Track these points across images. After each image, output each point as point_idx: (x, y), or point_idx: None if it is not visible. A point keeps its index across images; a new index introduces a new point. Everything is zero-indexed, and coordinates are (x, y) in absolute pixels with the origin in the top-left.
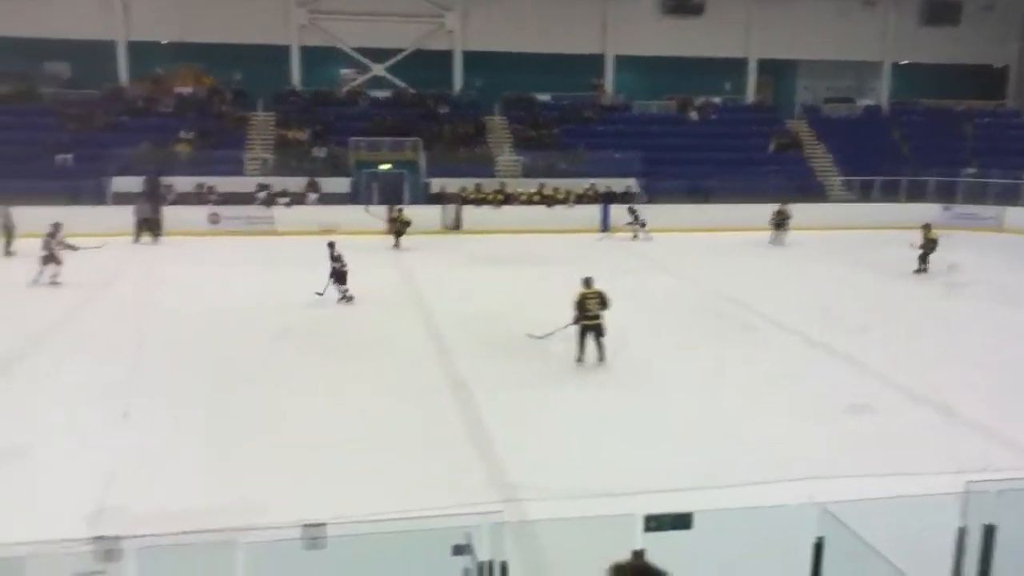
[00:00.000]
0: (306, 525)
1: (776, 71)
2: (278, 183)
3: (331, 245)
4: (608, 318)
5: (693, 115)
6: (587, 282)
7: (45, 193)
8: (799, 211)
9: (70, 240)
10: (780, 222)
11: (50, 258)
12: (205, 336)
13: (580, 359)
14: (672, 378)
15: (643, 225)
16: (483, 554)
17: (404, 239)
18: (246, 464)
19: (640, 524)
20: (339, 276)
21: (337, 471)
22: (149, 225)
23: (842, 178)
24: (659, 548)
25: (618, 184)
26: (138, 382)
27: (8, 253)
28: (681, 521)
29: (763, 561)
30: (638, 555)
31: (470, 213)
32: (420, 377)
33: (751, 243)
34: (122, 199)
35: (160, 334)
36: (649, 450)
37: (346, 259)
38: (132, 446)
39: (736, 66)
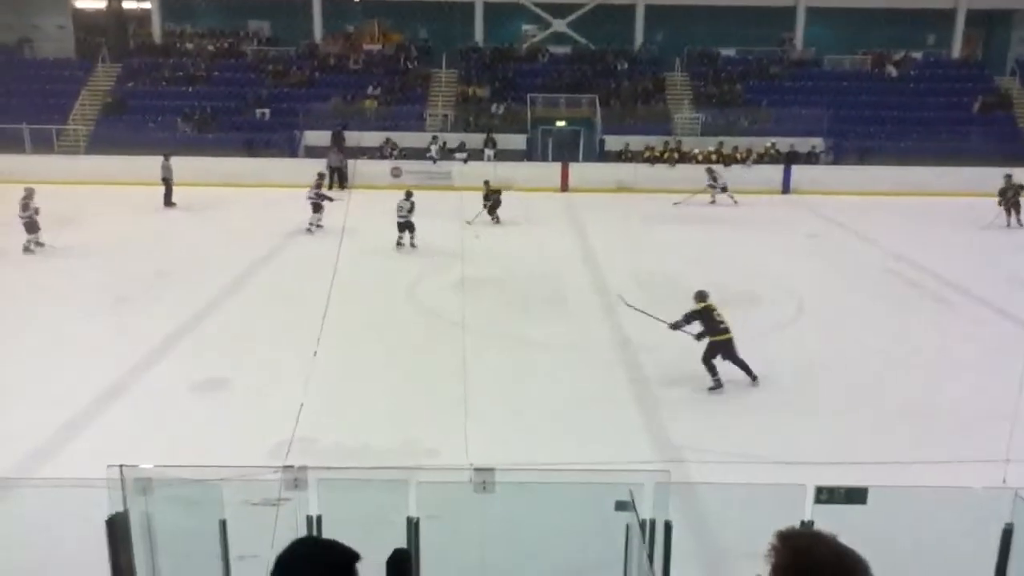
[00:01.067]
0: (477, 469)
1: (988, 23)
2: (457, 139)
3: (486, 183)
4: (791, 281)
5: (891, 71)
6: (701, 296)
7: (242, 146)
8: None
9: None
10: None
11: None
12: (391, 285)
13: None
14: (857, 347)
15: (724, 189)
16: (645, 512)
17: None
18: (423, 409)
19: (811, 495)
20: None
21: (508, 421)
22: (339, 176)
23: None
24: (829, 523)
25: (802, 144)
26: (328, 326)
27: (169, 204)
28: (856, 495)
29: (943, 545)
30: (807, 527)
31: (643, 172)
32: (590, 334)
33: (945, 207)
34: (312, 152)
35: (349, 282)
36: (826, 420)
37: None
38: (320, 385)
39: (942, 17)
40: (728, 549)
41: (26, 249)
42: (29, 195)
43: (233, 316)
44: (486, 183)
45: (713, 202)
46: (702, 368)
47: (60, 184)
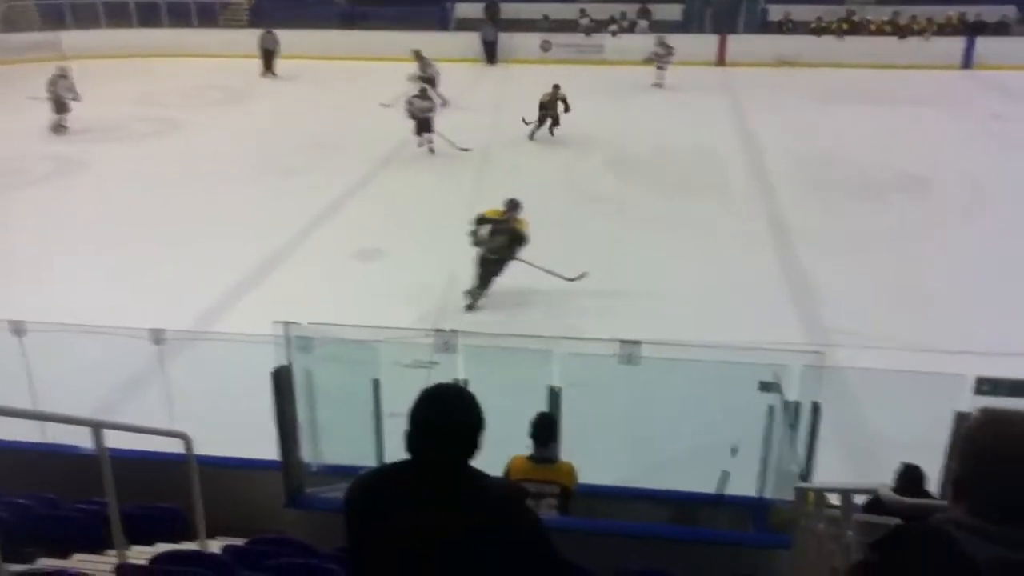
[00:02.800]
0: (623, 341)
1: None
2: (609, 9)
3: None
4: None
5: None
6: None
7: (394, 19)
8: None
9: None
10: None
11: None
12: (544, 164)
13: None
14: None
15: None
16: (791, 394)
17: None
18: (571, 286)
19: (971, 386)
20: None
21: (656, 300)
22: (488, 50)
23: None
24: None
25: (991, 12)
26: (479, 202)
27: (269, 73)
28: (1021, 388)
29: None
30: (963, 417)
31: (809, 44)
32: (744, 216)
33: None
34: (463, 25)
35: (501, 159)
36: (992, 310)
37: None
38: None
39: None
40: (877, 437)
41: (57, 127)
42: (62, 72)
43: (387, 188)
44: (555, 88)
45: (659, 85)
46: (870, 256)
47: (227, 57)
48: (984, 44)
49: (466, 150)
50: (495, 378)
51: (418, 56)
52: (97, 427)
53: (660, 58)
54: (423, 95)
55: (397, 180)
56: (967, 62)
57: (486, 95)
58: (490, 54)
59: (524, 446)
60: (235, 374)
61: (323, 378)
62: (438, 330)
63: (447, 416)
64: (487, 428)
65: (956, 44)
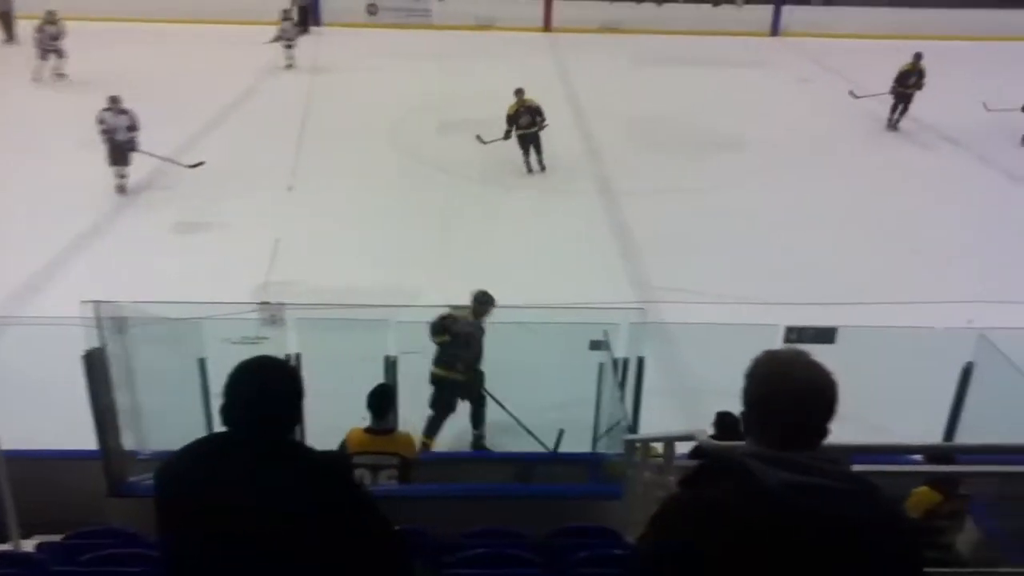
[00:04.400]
0: (453, 306)
1: None
2: None
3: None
4: (784, 127)
5: None
6: (519, 92)
7: None
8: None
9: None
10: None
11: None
12: (370, 126)
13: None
14: (836, 193)
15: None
16: (619, 351)
17: None
18: (404, 252)
19: (781, 335)
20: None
21: (488, 262)
22: (302, 14)
23: None
24: None
25: None
26: (305, 168)
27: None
28: (824, 335)
29: (908, 383)
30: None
31: (630, 11)
32: (571, 176)
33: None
34: None
35: (326, 125)
36: (800, 261)
37: None
38: (300, 227)
39: None
40: (698, 387)
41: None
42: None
43: (209, 157)
44: (518, 93)
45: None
46: (688, 212)
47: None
48: (789, 12)
49: (196, 165)
50: (330, 350)
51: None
52: None
53: (286, 34)
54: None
55: (218, 150)
56: (775, 29)
57: (304, 61)
58: (303, 19)
59: (362, 418)
60: (46, 362)
61: (144, 360)
62: (263, 303)
63: (265, 387)
64: (325, 402)
65: (765, 12)
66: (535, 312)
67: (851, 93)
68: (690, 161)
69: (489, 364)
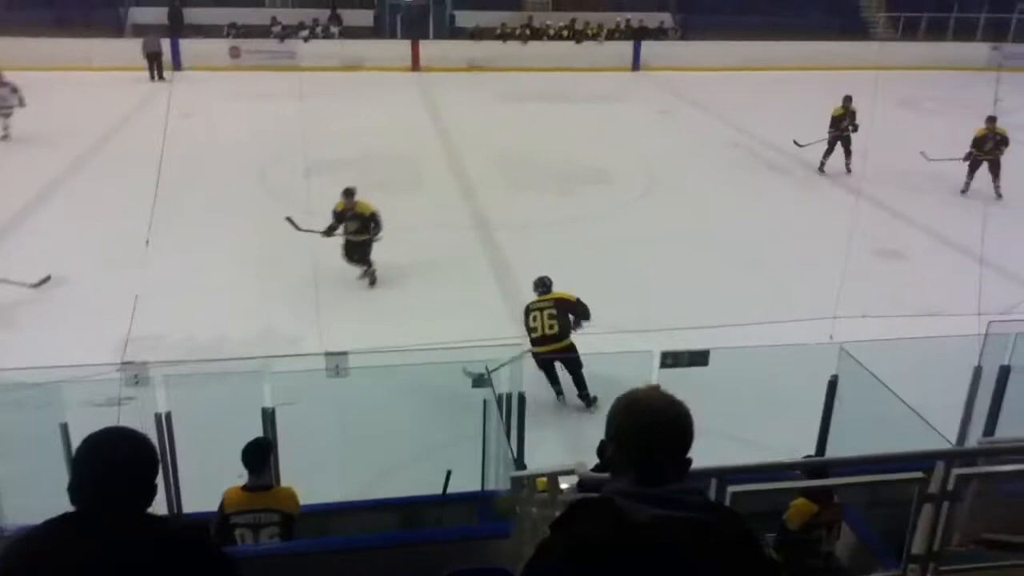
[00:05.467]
0: (329, 353)
1: None
2: (299, 15)
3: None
4: (647, 157)
5: None
6: (541, 284)
7: (59, 24)
8: (836, 50)
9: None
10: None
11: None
12: (236, 170)
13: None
14: (701, 218)
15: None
16: (501, 386)
17: None
18: (276, 298)
19: (657, 360)
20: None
21: (364, 303)
22: (156, 64)
23: (886, 15)
24: (675, 385)
25: (652, 19)
26: (161, 211)
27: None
28: (698, 358)
29: (778, 398)
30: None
31: (496, 49)
32: (445, 213)
33: (787, 80)
34: (142, 31)
35: (184, 165)
36: (670, 289)
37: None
38: (163, 276)
39: None
40: (579, 413)
41: None
42: None
43: (62, 207)
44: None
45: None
46: (562, 244)
47: None
48: (648, 48)
49: (41, 283)
50: (202, 407)
51: None
52: None
53: (3, 102)
54: None
55: (73, 199)
56: (636, 64)
57: (161, 104)
58: (154, 67)
59: (239, 475)
60: None
61: (2, 428)
62: (126, 362)
63: (112, 460)
64: (201, 461)
65: (626, 48)
66: (413, 353)
67: (795, 142)
68: (560, 194)
69: (363, 408)
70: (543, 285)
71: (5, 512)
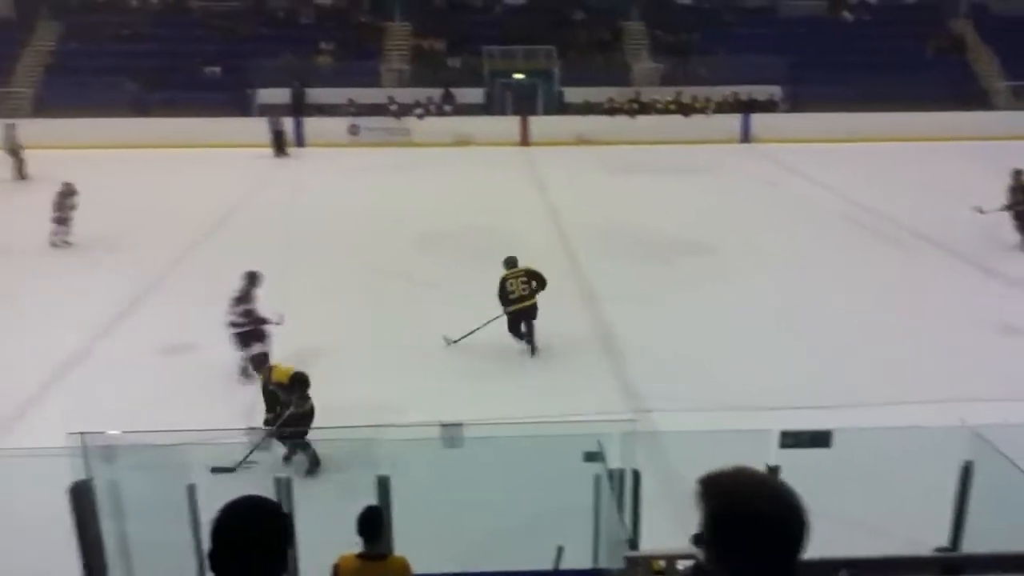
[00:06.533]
0: (444, 424)
1: None
2: (414, 94)
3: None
4: (755, 229)
5: (846, 16)
6: (510, 262)
7: (193, 104)
8: (956, 119)
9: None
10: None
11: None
12: (350, 242)
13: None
14: (815, 295)
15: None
16: (614, 462)
17: None
18: (389, 368)
19: (776, 440)
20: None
21: (475, 374)
22: (276, 139)
23: (1008, 83)
24: (795, 466)
25: (760, 92)
26: (289, 282)
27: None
28: (819, 439)
29: (905, 483)
30: (772, 471)
31: (603, 123)
32: (552, 284)
33: (901, 152)
34: (268, 111)
35: (307, 240)
36: (785, 366)
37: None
38: (285, 346)
39: None
40: (691, 492)
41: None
42: (68, 191)
43: (194, 279)
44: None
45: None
46: (669, 318)
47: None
48: (758, 120)
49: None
50: (320, 472)
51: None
52: None
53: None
54: None
55: (203, 270)
56: (744, 136)
57: (285, 179)
58: (278, 144)
59: (354, 543)
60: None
61: (132, 489)
62: (252, 428)
63: (257, 533)
64: (316, 527)
65: (734, 120)
66: (525, 426)
67: (977, 209)
68: (667, 267)
69: (475, 479)
70: (513, 262)
71: (138, 571)
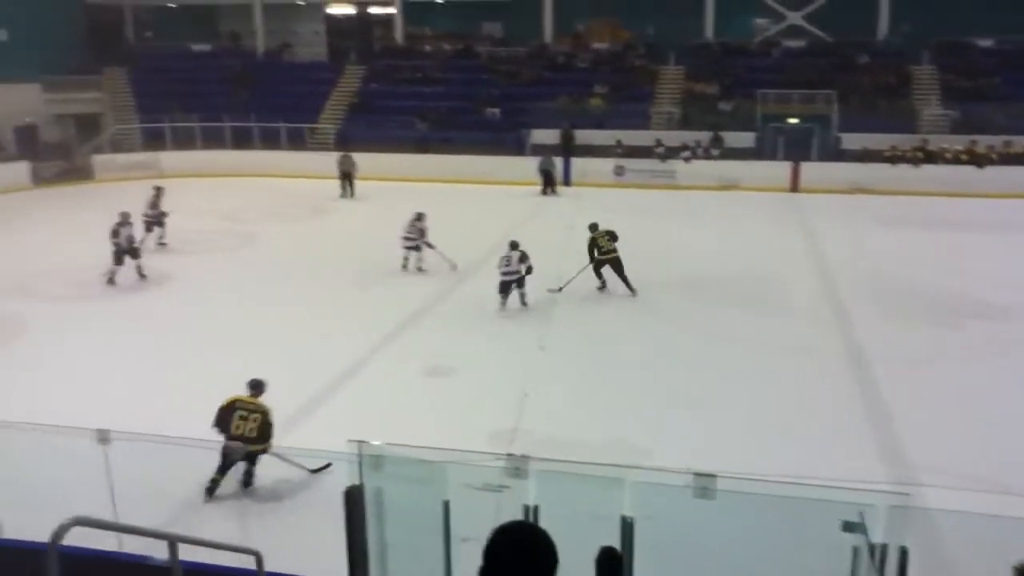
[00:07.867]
0: (697, 474)
1: None
2: (681, 137)
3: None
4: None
5: None
6: (594, 227)
7: (472, 144)
8: None
9: None
10: None
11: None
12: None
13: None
14: None
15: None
16: (876, 536)
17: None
18: (637, 407)
19: None
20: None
21: (725, 424)
22: (546, 178)
23: None
24: None
25: None
26: (551, 319)
27: (347, 195)
28: None
29: None
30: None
31: (883, 171)
32: (814, 339)
33: None
34: (539, 151)
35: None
36: None
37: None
38: (543, 377)
39: None
40: None
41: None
42: (159, 193)
43: (460, 304)
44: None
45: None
46: (943, 381)
47: (312, 178)
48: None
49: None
50: (565, 506)
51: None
52: (173, 541)
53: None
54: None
55: (470, 297)
56: None
57: (556, 215)
58: (547, 182)
59: None
60: (307, 490)
61: (394, 498)
62: (510, 454)
63: (525, 556)
64: (561, 560)
65: None
66: (773, 485)
67: None
68: (946, 329)
69: (722, 534)
70: (595, 226)
71: None
